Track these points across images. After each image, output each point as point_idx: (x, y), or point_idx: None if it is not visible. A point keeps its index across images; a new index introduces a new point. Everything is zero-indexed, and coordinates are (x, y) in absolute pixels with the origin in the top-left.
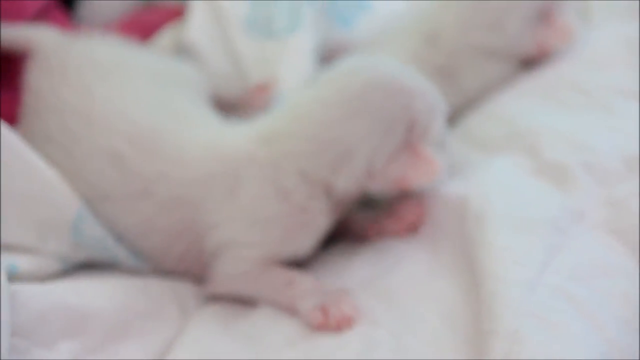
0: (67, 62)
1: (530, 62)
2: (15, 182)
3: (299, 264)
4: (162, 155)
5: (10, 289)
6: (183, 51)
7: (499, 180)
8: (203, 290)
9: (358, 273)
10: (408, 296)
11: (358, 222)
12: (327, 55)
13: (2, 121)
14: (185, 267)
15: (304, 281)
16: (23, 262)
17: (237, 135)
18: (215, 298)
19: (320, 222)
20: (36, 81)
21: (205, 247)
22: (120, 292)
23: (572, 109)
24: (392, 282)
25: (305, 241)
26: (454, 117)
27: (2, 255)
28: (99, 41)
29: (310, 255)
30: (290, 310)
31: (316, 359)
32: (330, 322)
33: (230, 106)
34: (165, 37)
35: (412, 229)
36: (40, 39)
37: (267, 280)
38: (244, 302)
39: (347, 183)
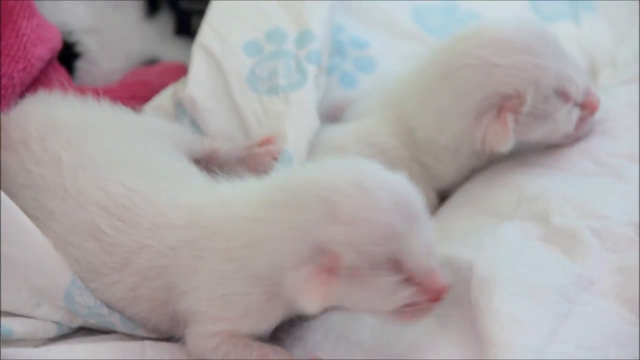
0: (28, 133)
1: None
2: (12, 248)
3: (298, 324)
4: (139, 224)
5: (4, 354)
6: (182, 107)
7: (506, 245)
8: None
9: (362, 337)
10: None
11: None
12: (333, 115)
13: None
14: (179, 330)
15: (276, 357)
16: (18, 326)
17: (211, 203)
18: None
19: (280, 310)
20: (2, 159)
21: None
22: (116, 356)
23: (582, 176)
24: (397, 349)
25: (267, 322)
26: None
27: None
28: (60, 105)
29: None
30: None
31: None
32: None
33: (232, 162)
34: (166, 95)
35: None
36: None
37: (239, 357)
38: None
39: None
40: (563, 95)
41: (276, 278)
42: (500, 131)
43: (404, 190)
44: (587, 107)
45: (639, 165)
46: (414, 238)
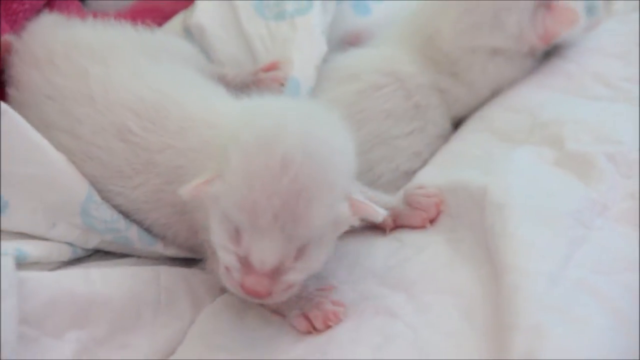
0: (54, 51)
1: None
2: (24, 167)
3: None
4: (166, 125)
5: (19, 276)
6: (191, 34)
7: (520, 170)
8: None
9: (376, 263)
10: (427, 288)
11: None
12: (347, 43)
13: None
14: (197, 242)
15: None
16: (33, 249)
17: (232, 108)
18: None
19: None
20: (23, 75)
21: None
22: (130, 281)
23: (596, 101)
24: (411, 273)
25: None
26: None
27: (12, 242)
28: (83, 27)
29: None
30: (279, 316)
31: (331, 357)
32: (316, 325)
33: (239, 88)
34: (177, 22)
35: (431, 220)
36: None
37: None
38: None
39: None
40: None
41: None
42: (566, 13)
43: (307, 198)
44: None
45: None
46: (264, 235)
